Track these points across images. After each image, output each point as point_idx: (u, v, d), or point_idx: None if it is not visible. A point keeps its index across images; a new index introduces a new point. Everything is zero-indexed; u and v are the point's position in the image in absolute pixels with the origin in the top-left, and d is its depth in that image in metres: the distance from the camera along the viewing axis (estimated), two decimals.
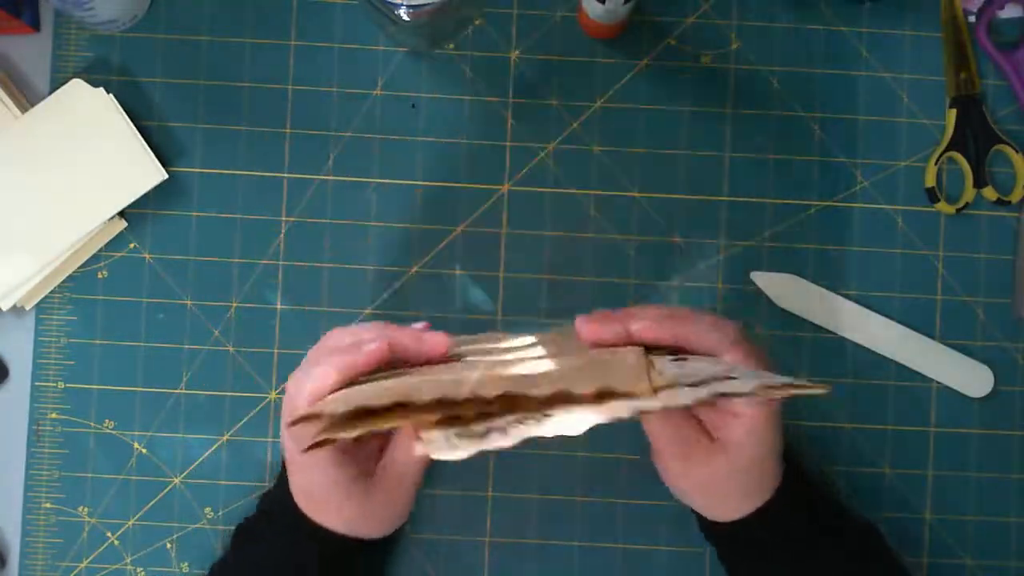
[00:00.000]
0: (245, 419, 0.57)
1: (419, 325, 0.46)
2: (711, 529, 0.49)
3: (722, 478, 0.45)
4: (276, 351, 0.57)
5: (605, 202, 0.58)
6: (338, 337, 0.44)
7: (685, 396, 0.39)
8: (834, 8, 0.58)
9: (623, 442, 0.57)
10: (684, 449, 0.45)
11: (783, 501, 0.47)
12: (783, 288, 0.57)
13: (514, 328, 0.54)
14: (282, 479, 0.48)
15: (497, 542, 0.57)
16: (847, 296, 0.58)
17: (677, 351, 0.43)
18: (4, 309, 0.55)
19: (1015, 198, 0.58)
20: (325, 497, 0.46)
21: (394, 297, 0.57)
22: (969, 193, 0.58)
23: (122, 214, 0.56)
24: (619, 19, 0.54)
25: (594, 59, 0.58)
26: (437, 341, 0.43)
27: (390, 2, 0.47)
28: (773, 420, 0.44)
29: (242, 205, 0.57)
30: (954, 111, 0.58)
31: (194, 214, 0.57)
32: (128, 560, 0.56)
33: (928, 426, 0.58)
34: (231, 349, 0.57)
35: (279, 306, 0.57)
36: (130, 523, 0.56)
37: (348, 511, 0.46)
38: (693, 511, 0.50)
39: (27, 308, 0.56)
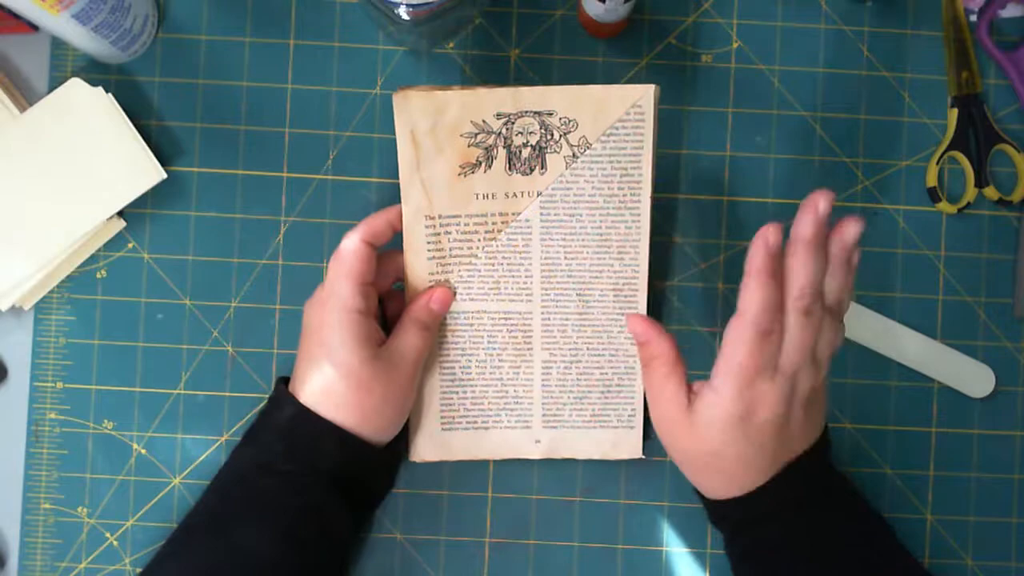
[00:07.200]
0: (244, 419, 0.57)
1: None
2: (711, 509, 0.51)
3: (700, 456, 0.48)
4: (275, 351, 0.57)
5: None
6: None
7: None
8: (835, 7, 0.58)
9: None
10: (672, 413, 0.48)
11: (779, 486, 0.48)
12: None
13: None
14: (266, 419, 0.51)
15: (497, 542, 0.57)
16: None
17: None
18: (3, 309, 0.55)
19: (1016, 198, 0.58)
20: (344, 368, 0.48)
21: None
22: (970, 193, 0.58)
23: (121, 214, 0.56)
24: (619, 18, 0.54)
25: (594, 58, 0.58)
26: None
27: (390, 1, 0.47)
28: (732, 414, 0.46)
29: (242, 205, 0.57)
30: (955, 110, 0.58)
31: (193, 214, 0.57)
32: (127, 561, 0.56)
33: (929, 426, 0.58)
34: (230, 349, 0.57)
35: (279, 306, 0.57)
36: (129, 524, 0.56)
37: (361, 393, 0.48)
38: (696, 492, 0.51)
39: (26, 308, 0.56)
